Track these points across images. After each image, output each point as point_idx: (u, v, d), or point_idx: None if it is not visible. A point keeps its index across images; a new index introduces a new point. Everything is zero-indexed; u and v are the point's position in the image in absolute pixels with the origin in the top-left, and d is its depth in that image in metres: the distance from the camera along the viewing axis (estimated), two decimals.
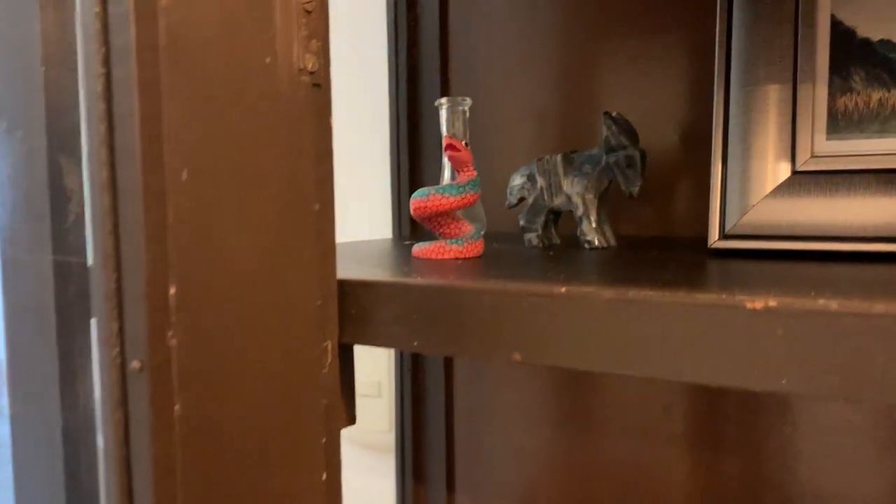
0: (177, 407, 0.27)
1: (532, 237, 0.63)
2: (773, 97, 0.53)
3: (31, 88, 0.38)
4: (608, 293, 0.31)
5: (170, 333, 0.27)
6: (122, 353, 0.26)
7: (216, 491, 0.29)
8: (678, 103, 0.72)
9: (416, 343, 0.36)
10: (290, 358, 0.32)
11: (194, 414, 0.28)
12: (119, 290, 0.26)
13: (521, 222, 0.64)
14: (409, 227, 0.81)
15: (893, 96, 0.50)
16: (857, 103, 0.51)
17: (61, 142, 0.38)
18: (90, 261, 0.40)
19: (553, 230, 0.65)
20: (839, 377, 0.26)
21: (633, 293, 0.30)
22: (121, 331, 0.26)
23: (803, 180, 0.52)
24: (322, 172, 0.33)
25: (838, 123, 0.52)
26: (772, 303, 0.27)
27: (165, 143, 0.26)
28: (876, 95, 0.50)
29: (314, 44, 0.34)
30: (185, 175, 0.27)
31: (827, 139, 0.52)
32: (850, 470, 0.65)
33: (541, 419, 0.79)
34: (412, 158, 0.81)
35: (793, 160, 0.52)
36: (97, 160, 0.26)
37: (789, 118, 0.53)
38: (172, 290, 0.26)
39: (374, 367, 0.88)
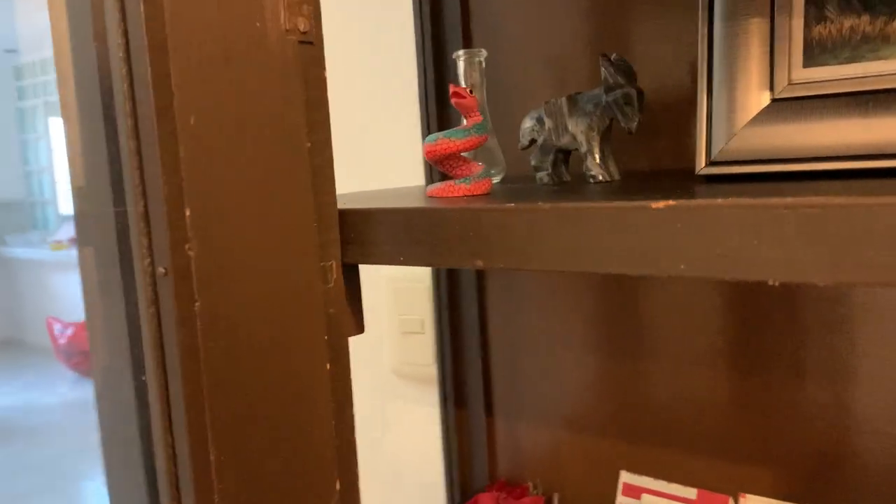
0: (197, 304, 0.34)
1: (543, 175, 0.69)
2: (753, 30, 0.57)
3: (88, 62, 0.45)
4: (547, 206, 0.37)
5: (187, 246, 0.34)
6: (152, 262, 0.34)
7: (233, 373, 0.36)
8: (691, 39, 0.75)
9: (401, 258, 0.42)
10: (292, 271, 0.39)
11: (212, 310, 0.35)
12: (146, 213, 0.34)
13: (532, 162, 0.69)
14: (440, 175, 0.88)
15: (863, 22, 0.53)
16: (830, 31, 0.54)
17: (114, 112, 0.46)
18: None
19: (563, 168, 0.70)
20: (725, 260, 0.32)
21: (565, 204, 0.36)
22: (150, 245, 0.34)
23: (782, 107, 0.55)
24: (314, 117, 0.40)
25: (814, 51, 0.55)
26: (671, 202, 0.33)
27: (175, 94, 0.33)
28: (848, 23, 0.53)
29: (305, 8, 0.40)
30: (192, 120, 0.34)
31: (803, 67, 0.55)
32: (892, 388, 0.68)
33: (572, 346, 0.85)
34: (440, 108, 0.87)
35: (772, 88, 0.56)
36: (123, 112, 0.33)
37: (768, 49, 0.56)
38: (188, 212, 0.34)
39: (417, 306, 0.95)
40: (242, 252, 0.36)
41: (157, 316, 0.34)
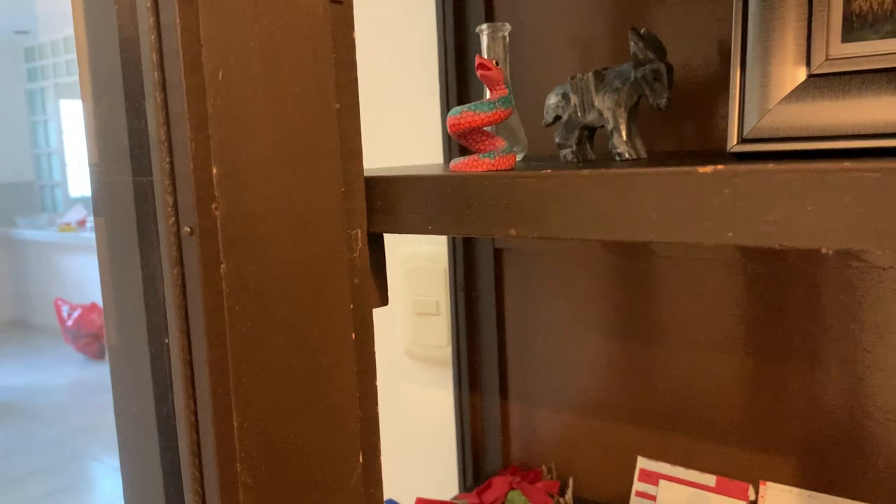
0: (223, 266, 0.33)
1: (567, 153, 0.67)
2: (790, 3, 0.55)
3: (108, 27, 0.44)
4: (585, 172, 0.35)
5: (214, 205, 0.33)
6: (177, 221, 0.33)
7: (257, 338, 0.35)
8: (718, 15, 0.74)
9: (430, 227, 0.41)
10: (318, 236, 0.38)
11: (238, 273, 0.34)
12: (172, 170, 0.32)
13: (557, 139, 0.68)
14: (459, 152, 0.86)
15: None
16: (871, 4, 0.53)
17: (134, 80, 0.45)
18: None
19: (588, 146, 0.68)
20: (775, 227, 0.30)
21: (604, 170, 0.35)
22: (175, 203, 0.33)
23: (819, 83, 0.54)
24: (343, 78, 0.39)
25: (853, 26, 0.53)
26: (720, 167, 0.31)
27: (204, 48, 0.32)
28: None
29: None
30: (220, 75, 0.33)
31: (842, 42, 0.53)
32: None
33: (589, 329, 0.83)
34: (460, 85, 0.85)
35: (808, 64, 0.54)
36: (150, 64, 0.32)
37: (805, 23, 0.54)
38: (215, 170, 0.33)
39: (433, 287, 0.94)
40: (269, 214, 0.35)
41: (182, 277, 0.33)
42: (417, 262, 0.96)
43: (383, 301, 0.45)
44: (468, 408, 0.91)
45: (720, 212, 0.32)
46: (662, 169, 0.33)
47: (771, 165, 0.30)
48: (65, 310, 5.10)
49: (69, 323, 5.05)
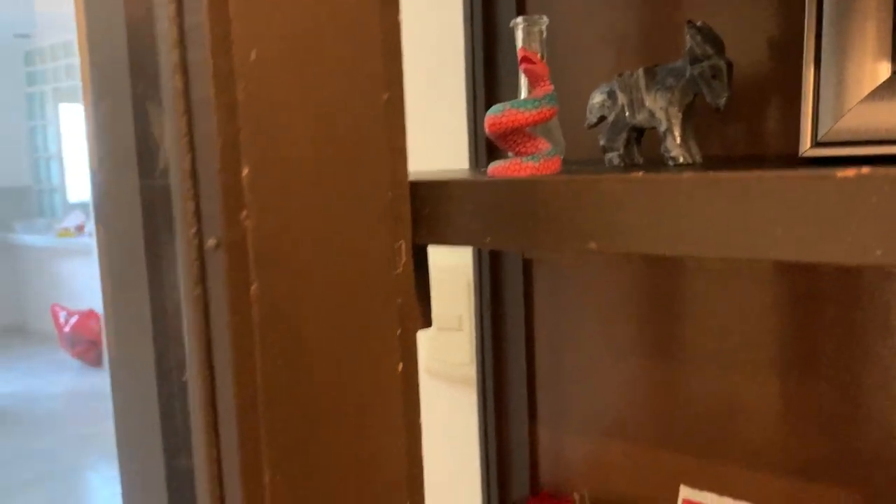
0: (254, 286, 0.27)
1: (613, 157, 0.62)
2: None
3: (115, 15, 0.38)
4: (688, 175, 0.29)
5: (244, 213, 0.27)
6: (200, 231, 0.27)
7: (293, 375, 0.29)
8: (768, 9, 0.68)
9: (488, 239, 0.35)
10: (362, 251, 0.32)
11: (272, 295, 0.28)
12: (194, 171, 0.27)
13: (602, 142, 0.62)
14: (487, 157, 0.81)
15: None
16: None
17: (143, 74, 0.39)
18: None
19: (636, 149, 0.63)
20: None
21: (714, 174, 0.29)
22: (197, 210, 0.27)
23: None
24: (390, 66, 0.33)
25: None
26: (865, 171, 0.26)
27: (233, 23, 0.26)
28: None
29: None
30: (253, 55, 0.27)
31: None
32: None
33: (622, 349, 0.78)
34: (488, 84, 0.79)
35: (894, 59, 0.49)
36: (168, 42, 0.26)
37: (889, 13, 0.49)
38: (245, 171, 0.27)
39: (455, 301, 0.88)
40: (307, 225, 0.29)
41: (205, 300, 0.27)
42: (439, 274, 0.90)
43: (427, 322, 0.40)
44: (493, 430, 0.85)
45: (866, 225, 0.26)
46: (791, 172, 0.27)
47: None
48: (62, 316, 5.04)
49: (66, 329, 4.99)
